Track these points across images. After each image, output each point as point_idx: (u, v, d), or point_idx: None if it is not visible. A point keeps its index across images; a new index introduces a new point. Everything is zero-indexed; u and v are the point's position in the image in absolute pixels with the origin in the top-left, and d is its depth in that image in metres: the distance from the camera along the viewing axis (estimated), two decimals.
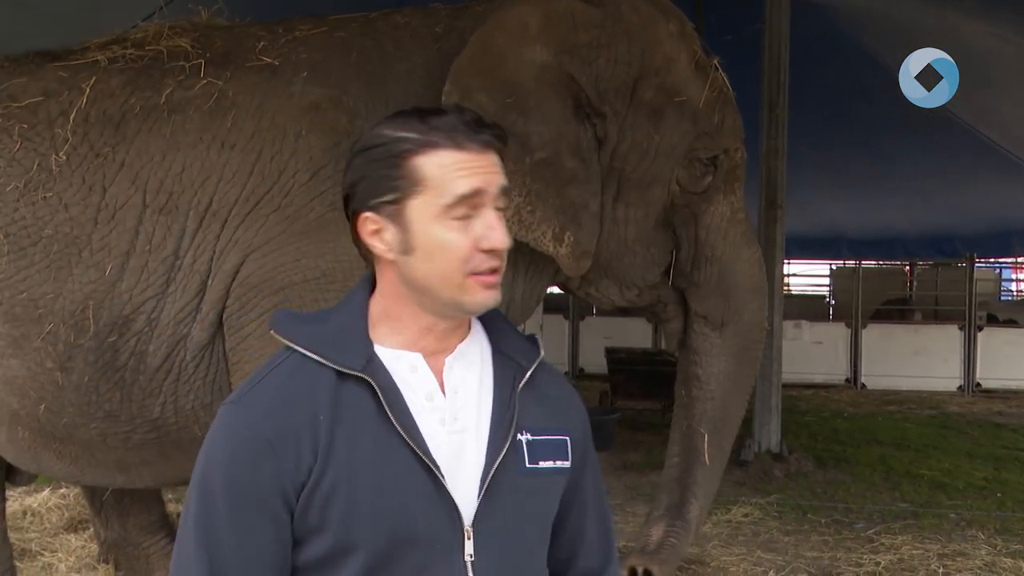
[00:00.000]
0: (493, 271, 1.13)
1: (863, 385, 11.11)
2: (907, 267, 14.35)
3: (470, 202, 1.11)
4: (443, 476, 1.10)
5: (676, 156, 2.58)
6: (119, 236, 2.35)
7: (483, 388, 1.19)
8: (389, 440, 1.10)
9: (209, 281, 2.34)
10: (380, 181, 1.12)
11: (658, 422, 8.15)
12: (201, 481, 1.10)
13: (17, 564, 3.82)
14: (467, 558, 1.11)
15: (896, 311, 12.48)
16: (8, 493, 5.01)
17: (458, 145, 1.11)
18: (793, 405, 9.30)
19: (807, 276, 15.86)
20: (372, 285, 1.21)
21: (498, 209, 1.14)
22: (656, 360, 8.26)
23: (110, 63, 2.57)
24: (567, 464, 1.22)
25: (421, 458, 1.10)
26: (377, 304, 1.19)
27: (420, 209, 1.11)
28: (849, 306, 11.70)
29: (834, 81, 8.06)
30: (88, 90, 2.48)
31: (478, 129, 1.13)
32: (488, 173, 1.12)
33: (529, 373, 1.21)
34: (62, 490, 5.08)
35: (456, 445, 1.14)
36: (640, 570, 2.53)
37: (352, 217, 1.16)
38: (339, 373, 1.12)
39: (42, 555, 4.24)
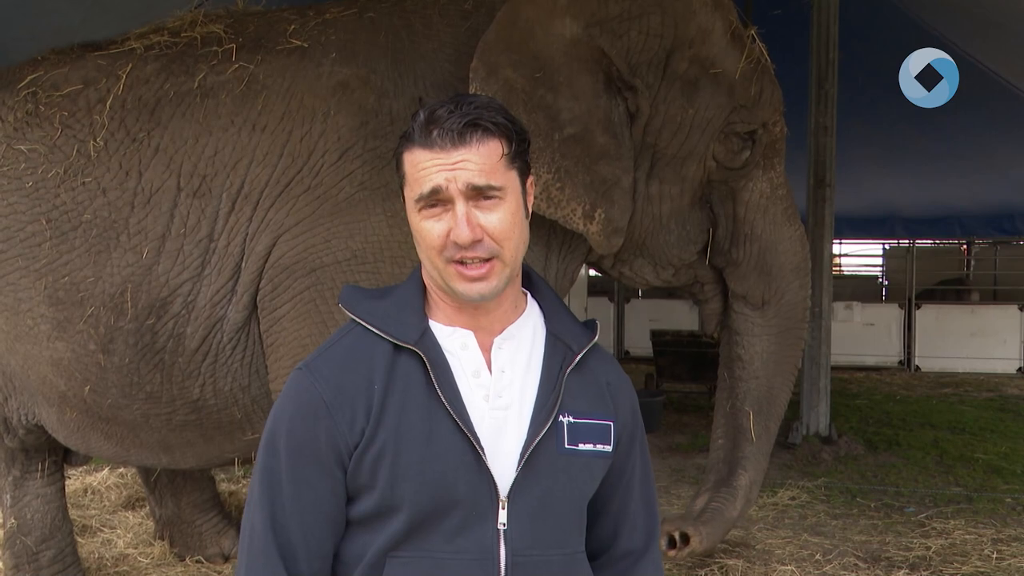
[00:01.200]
0: (474, 262, 1.18)
1: (917, 367, 10.86)
2: (964, 246, 13.91)
3: (435, 198, 1.19)
4: (483, 448, 1.19)
5: (711, 130, 2.51)
6: (155, 220, 2.40)
7: (531, 369, 1.26)
8: (435, 411, 1.19)
9: (243, 263, 2.38)
10: (396, 172, 1.27)
11: (704, 404, 8.10)
12: (268, 435, 1.23)
13: (78, 539, 3.97)
14: (500, 526, 1.20)
15: (952, 291, 12.13)
16: (70, 472, 5.23)
17: (427, 143, 1.18)
18: (843, 388, 9.13)
19: (859, 256, 15.50)
20: None
21: (486, 199, 1.18)
22: (702, 342, 8.17)
23: (146, 51, 2.63)
24: (608, 448, 1.28)
25: (463, 430, 1.18)
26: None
27: (408, 199, 1.24)
28: (902, 287, 11.42)
29: (886, 55, 7.82)
30: (124, 77, 2.54)
31: (456, 122, 1.17)
32: (452, 170, 1.17)
33: (578, 358, 1.28)
34: (120, 469, 5.25)
35: (498, 421, 1.22)
36: (677, 534, 2.48)
37: None
38: (395, 346, 1.22)
39: (101, 531, 4.39)
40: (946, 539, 4.37)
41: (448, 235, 1.18)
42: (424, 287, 1.29)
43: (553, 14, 2.35)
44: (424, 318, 1.26)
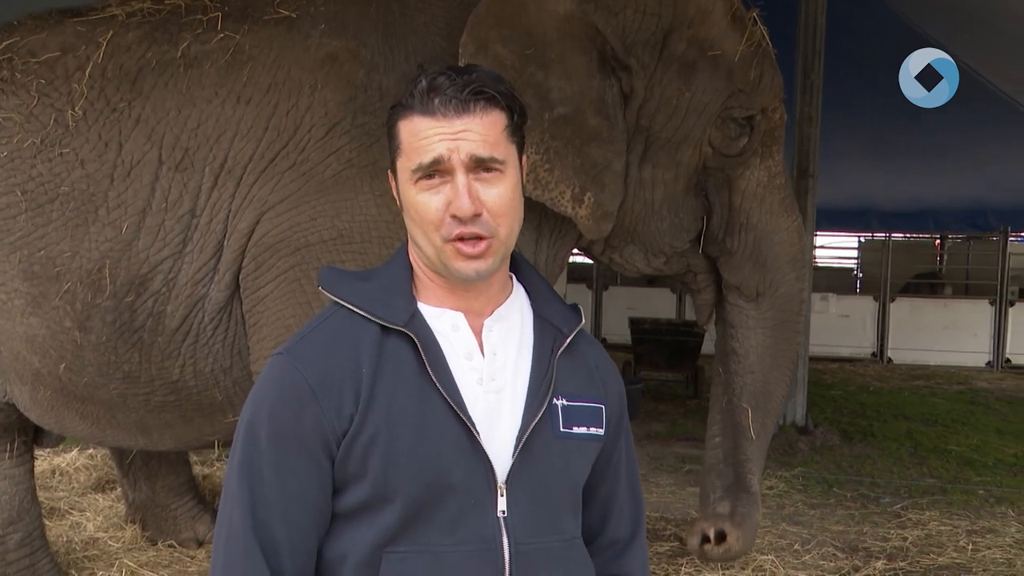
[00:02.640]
0: (472, 239, 1.13)
1: (890, 359, 10.98)
2: (938, 241, 14.08)
3: (435, 169, 1.12)
4: (478, 432, 1.13)
5: (708, 115, 2.41)
6: (135, 194, 2.32)
7: (522, 351, 1.21)
8: (428, 394, 1.13)
9: (225, 241, 2.31)
10: (388, 140, 1.20)
11: (681, 393, 8.13)
12: (247, 425, 1.15)
13: (46, 523, 3.87)
14: (500, 513, 1.15)
15: (926, 285, 12.27)
16: (37, 453, 5.09)
17: (428, 111, 1.12)
18: (819, 378, 9.20)
19: (835, 249, 15.64)
20: None
21: (487, 171, 1.13)
22: (680, 331, 8.19)
23: (128, 17, 2.53)
24: (600, 431, 1.25)
25: (457, 413, 1.13)
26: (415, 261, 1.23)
27: (400, 170, 1.17)
28: (877, 279, 11.54)
29: (869, 49, 7.85)
30: (105, 44, 2.44)
31: (459, 91, 1.11)
32: (454, 140, 1.11)
33: (569, 340, 1.24)
34: (90, 450, 5.14)
35: (492, 404, 1.17)
36: (712, 532, 2.41)
37: None
38: (383, 328, 1.16)
39: (70, 514, 4.30)
40: (922, 530, 4.41)
41: (447, 209, 1.12)
42: (410, 267, 1.22)
43: None
44: (413, 299, 1.20)
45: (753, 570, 3.79)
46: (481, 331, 1.20)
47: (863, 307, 11.30)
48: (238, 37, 2.39)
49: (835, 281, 12.17)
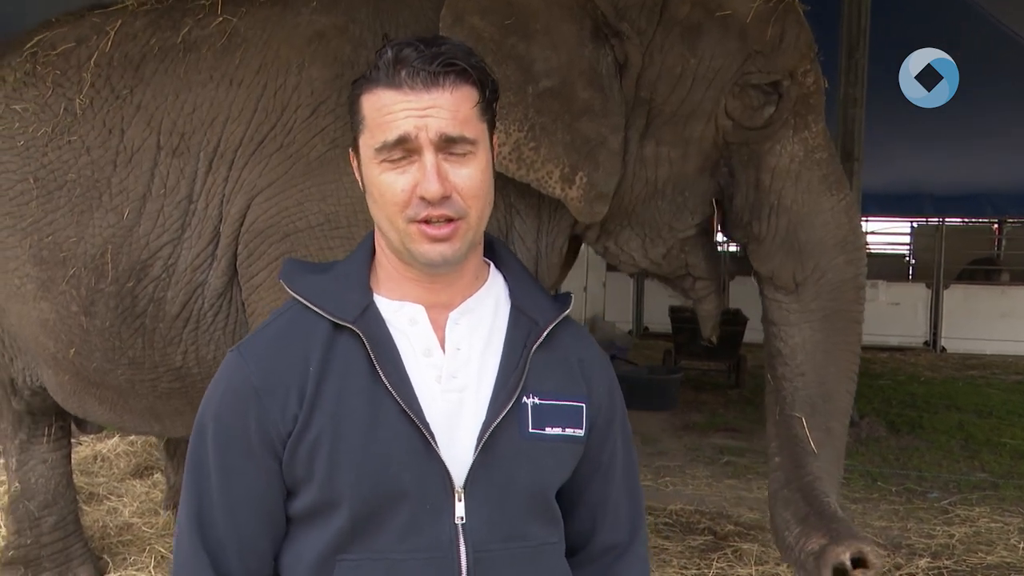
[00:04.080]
0: (439, 221, 1.05)
1: (943, 348, 10.65)
2: (995, 225, 13.59)
3: (401, 148, 1.05)
4: (432, 434, 1.07)
5: (721, 83, 2.13)
6: (136, 179, 2.31)
7: (491, 346, 1.14)
8: (378, 394, 1.07)
9: (220, 227, 2.28)
10: (350, 117, 1.13)
11: (722, 383, 7.98)
12: (197, 424, 1.13)
13: (83, 507, 3.95)
14: (458, 520, 1.08)
15: (981, 272, 11.85)
16: (81, 439, 5.23)
17: (394, 84, 1.05)
18: (867, 368, 8.94)
19: (886, 235, 15.21)
20: None
21: (453, 154, 1.05)
22: (722, 319, 8.03)
23: (139, 6, 2.54)
24: (579, 432, 1.16)
25: (410, 415, 1.07)
26: (378, 250, 1.17)
27: (363, 148, 1.10)
28: (930, 266, 11.18)
29: (919, 26, 7.55)
30: (112, 33, 2.45)
31: (428, 63, 1.04)
32: (422, 116, 1.04)
33: (545, 333, 1.16)
34: (131, 437, 5.24)
35: (453, 404, 1.10)
36: (847, 556, 1.95)
37: None
38: (334, 324, 1.10)
39: (108, 499, 4.37)
40: (970, 527, 4.23)
41: (413, 190, 1.04)
42: (372, 257, 1.16)
43: None
44: (368, 292, 1.13)
45: (788, 566, 3.67)
46: (446, 324, 1.13)
47: (915, 294, 10.97)
48: (235, 20, 2.36)
49: (886, 268, 11.80)
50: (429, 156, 1.04)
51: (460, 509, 1.08)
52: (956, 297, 10.78)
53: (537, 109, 2.08)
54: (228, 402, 1.10)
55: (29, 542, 3.17)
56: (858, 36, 5.95)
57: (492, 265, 1.21)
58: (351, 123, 1.12)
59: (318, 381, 1.08)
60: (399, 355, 1.09)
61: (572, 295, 1.25)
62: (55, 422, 3.14)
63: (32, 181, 2.43)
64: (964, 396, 7.78)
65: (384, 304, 1.12)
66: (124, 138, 2.33)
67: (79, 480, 4.18)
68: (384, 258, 1.15)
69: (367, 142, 1.08)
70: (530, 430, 1.12)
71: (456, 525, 1.08)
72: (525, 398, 1.12)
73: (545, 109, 2.09)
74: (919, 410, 7.07)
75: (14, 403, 3.01)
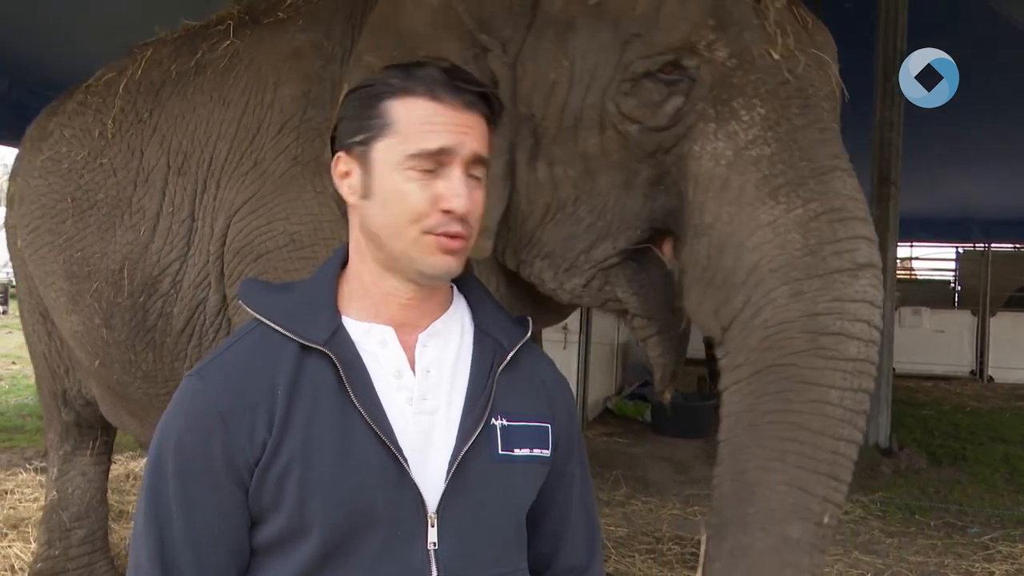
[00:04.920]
0: (454, 236, 1.07)
1: (990, 378, 10.33)
2: None
3: (436, 159, 1.05)
4: (405, 458, 1.05)
5: (601, 83, 1.75)
6: (151, 198, 2.38)
7: (459, 368, 1.13)
8: (350, 418, 1.05)
9: (210, 245, 2.32)
10: (356, 121, 1.09)
11: None
12: (155, 455, 1.07)
13: (113, 525, 4.00)
14: (430, 546, 1.06)
15: None
16: (115, 457, 5.32)
17: (435, 97, 1.06)
18: (909, 397, 8.73)
19: (930, 260, 14.88)
20: (347, 255, 1.16)
21: (472, 177, 1.08)
22: None
23: (171, 34, 2.64)
24: (546, 453, 1.16)
25: (382, 438, 1.05)
26: (350, 268, 1.15)
27: (384, 152, 1.07)
28: (976, 292, 10.88)
29: (961, 47, 7.42)
30: (143, 61, 2.56)
31: (463, 86, 1.07)
32: (461, 133, 1.06)
33: (511, 355, 1.16)
34: None
35: (424, 427, 1.09)
36: None
37: (333, 160, 1.13)
38: (302, 346, 1.08)
39: None
40: (1012, 564, 4.07)
41: (435, 202, 1.05)
42: (337, 279, 1.14)
43: None
44: (337, 314, 1.10)
45: None
46: (415, 347, 1.12)
47: (960, 322, 10.69)
48: (239, 42, 2.41)
49: (930, 294, 11.56)
50: (460, 171, 1.06)
51: (433, 535, 1.06)
52: (1003, 325, 10.47)
53: None
54: (191, 429, 1.05)
55: (57, 553, 3.23)
56: (894, 59, 5.86)
57: (455, 288, 1.21)
58: (359, 127, 1.09)
59: (287, 405, 1.04)
60: (370, 378, 1.08)
61: (530, 319, 1.25)
62: (100, 436, 3.23)
63: (70, 201, 2.55)
64: (1011, 428, 7.53)
65: (352, 326, 1.11)
66: (143, 159, 2.42)
67: (110, 498, 4.24)
68: (363, 273, 1.13)
69: (394, 147, 1.06)
70: (500, 452, 1.11)
71: (428, 551, 1.06)
72: (494, 420, 1.11)
73: None
74: (962, 441, 6.86)
75: (64, 414, 3.12)
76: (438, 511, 1.07)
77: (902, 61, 6.11)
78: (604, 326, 7.87)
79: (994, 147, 9.17)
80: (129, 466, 5.25)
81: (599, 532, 1.28)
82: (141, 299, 2.39)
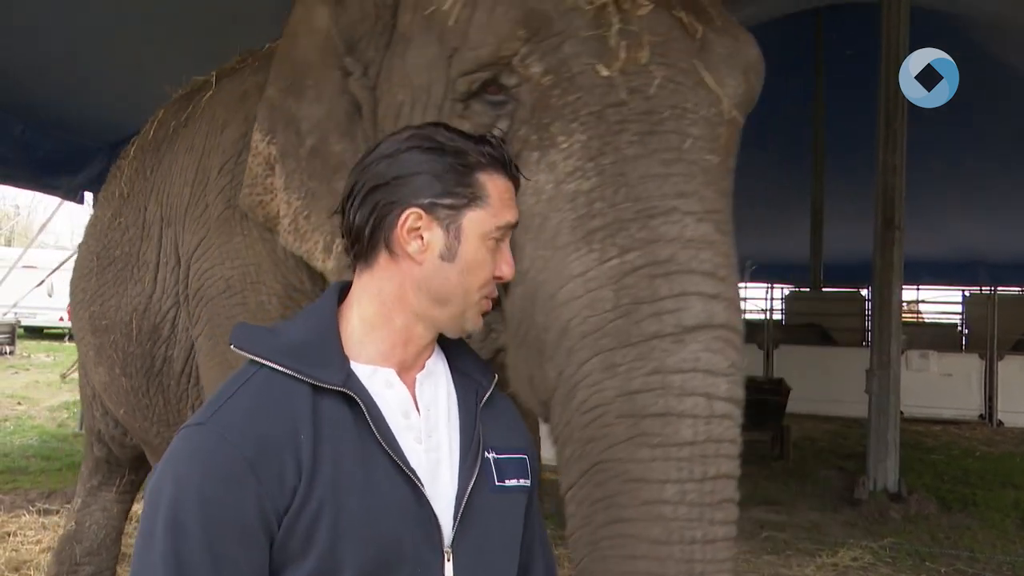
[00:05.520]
0: (492, 300, 1.18)
1: (1000, 422, 10.22)
2: None
3: (505, 231, 1.16)
4: (426, 492, 1.08)
5: (436, 103, 1.56)
6: (151, 250, 2.45)
7: (450, 406, 1.18)
8: (371, 457, 1.06)
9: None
10: (443, 183, 1.11)
11: (766, 454, 7.76)
12: (170, 511, 0.99)
13: (118, 568, 3.97)
14: None
15: None
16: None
17: (506, 174, 1.16)
18: (918, 441, 8.65)
19: (936, 303, 14.86)
20: (341, 296, 1.18)
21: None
22: (763, 388, 7.87)
23: (181, 91, 2.75)
24: (527, 483, 1.21)
25: (404, 476, 1.06)
26: (358, 312, 1.15)
27: (476, 223, 1.12)
28: (984, 336, 10.83)
29: (966, 93, 7.53)
30: (154, 122, 2.70)
31: (515, 165, 1.20)
32: (517, 207, 1.19)
33: (489, 392, 1.21)
34: None
35: (433, 463, 1.12)
36: None
37: (387, 208, 1.11)
38: (315, 388, 1.07)
39: None
40: None
41: (495, 270, 1.16)
42: (337, 323, 1.14)
43: (311, 8, 1.84)
44: (345, 357, 1.11)
45: None
46: (414, 387, 1.15)
47: (968, 365, 10.61)
48: (214, 91, 2.48)
49: (937, 338, 11.50)
50: (508, 242, 1.18)
51: (449, 569, 1.08)
52: (1012, 368, 10.40)
53: (308, 173, 1.79)
54: (217, 482, 0.99)
55: None
56: (896, 104, 5.93)
57: None
58: (445, 189, 1.11)
59: (313, 448, 1.03)
60: (385, 418, 1.10)
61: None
62: (127, 475, 3.27)
63: (95, 259, 2.66)
64: (1021, 472, 7.44)
65: (357, 368, 1.12)
66: (146, 214, 2.49)
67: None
68: (382, 315, 1.14)
69: (487, 219, 1.13)
70: (496, 483, 1.15)
71: None
72: (486, 454, 1.15)
73: (314, 171, 1.79)
74: (972, 486, 6.78)
75: (96, 449, 3.19)
76: (451, 546, 1.09)
77: (903, 106, 6.17)
78: None
79: (999, 190, 9.24)
80: (135, 508, 5.22)
81: (554, 558, 1.31)
82: (148, 346, 2.45)
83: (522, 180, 1.28)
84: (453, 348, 1.23)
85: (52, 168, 6.37)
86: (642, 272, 1.27)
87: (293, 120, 1.80)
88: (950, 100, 7.51)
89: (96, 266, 2.65)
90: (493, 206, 1.12)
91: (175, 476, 1.01)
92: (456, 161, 1.11)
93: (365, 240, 1.13)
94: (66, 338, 18.41)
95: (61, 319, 18.92)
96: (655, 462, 1.20)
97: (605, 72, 1.37)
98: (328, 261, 1.73)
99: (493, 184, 1.13)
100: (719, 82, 1.42)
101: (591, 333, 1.28)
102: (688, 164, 1.35)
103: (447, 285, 1.11)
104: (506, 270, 1.16)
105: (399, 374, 1.14)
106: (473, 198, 1.11)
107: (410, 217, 1.10)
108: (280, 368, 1.07)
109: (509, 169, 1.16)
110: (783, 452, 7.69)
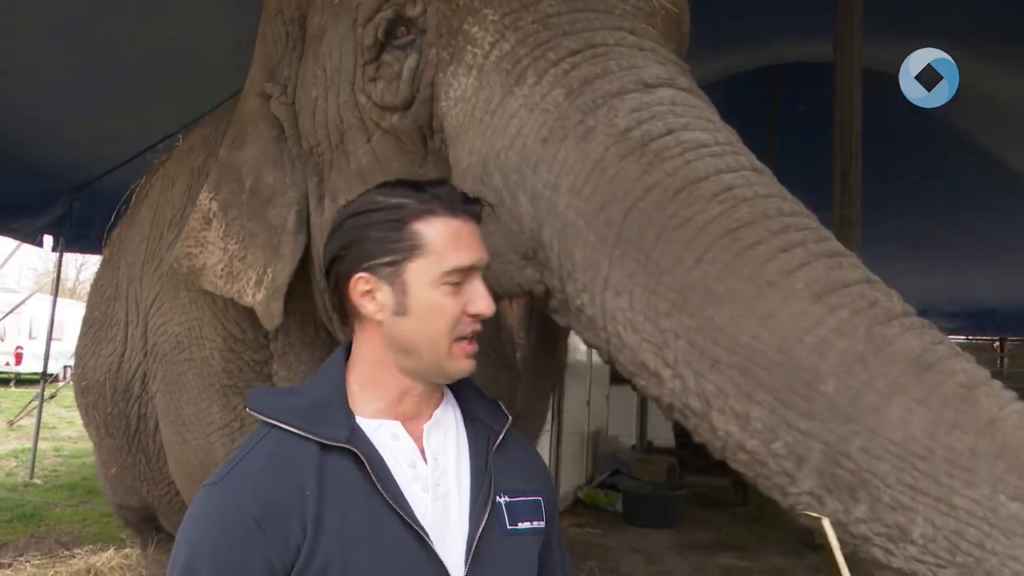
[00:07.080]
0: (473, 339, 1.15)
1: None
2: (997, 343, 13.61)
3: (463, 273, 1.15)
4: (433, 543, 1.10)
5: (348, 76, 1.55)
6: (121, 310, 2.47)
7: (460, 453, 1.20)
8: (378, 511, 1.09)
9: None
10: (379, 243, 1.14)
11: (728, 499, 7.83)
12: (185, 568, 1.06)
13: None
14: None
15: None
16: (75, 551, 5.14)
17: (457, 215, 1.15)
18: None
19: None
20: (345, 355, 1.22)
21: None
22: None
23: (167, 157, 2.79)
24: (541, 524, 1.23)
25: (410, 527, 1.09)
26: (355, 371, 1.20)
27: (419, 273, 1.13)
28: None
29: (915, 150, 7.85)
30: (134, 189, 2.76)
31: (468, 201, 1.17)
32: (479, 248, 1.17)
33: (501, 436, 1.24)
34: (126, 549, 5.15)
35: (440, 511, 1.14)
36: None
37: (342, 279, 1.17)
38: (322, 446, 1.11)
39: None
40: None
41: (464, 309, 1.14)
42: (344, 381, 1.18)
43: (252, 69, 1.89)
44: (351, 413, 1.15)
45: None
46: (421, 437, 1.18)
47: None
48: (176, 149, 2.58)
49: None
50: (480, 279, 1.16)
51: None
52: None
53: (248, 214, 1.79)
54: (228, 541, 1.05)
55: None
56: (849, 161, 6.15)
57: None
58: (383, 248, 1.13)
59: (318, 505, 1.07)
60: (390, 470, 1.13)
61: (501, 403, 1.32)
62: (157, 534, 3.15)
63: (86, 325, 2.70)
64: None
65: (363, 423, 1.16)
66: (119, 274, 2.52)
67: None
68: (373, 374, 1.18)
69: (430, 266, 1.12)
70: (508, 527, 1.17)
71: None
72: (498, 498, 1.18)
73: (253, 211, 1.77)
74: None
75: (127, 516, 3.17)
76: None
77: (856, 163, 6.39)
78: (574, 415, 7.89)
79: (948, 243, 9.58)
80: (90, 560, 5.07)
81: None
82: (122, 405, 2.44)
83: (444, 104, 1.34)
84: (464, 394, 1.26)
85: (10, 211, 6.28)
86: (584, 60, 1.26)
87: (236, 169, 1.84)
88: (901, 157, 7.79)
89: (83, 329, 2.71)
90: (436, 251, 1.13)
91: (189, 535, 1.08)
92: (389, 216, 1.14)
93: (340, 311, 1.20)
94: (11, 383, 17.85)
95: (7, 364, 18.34)
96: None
97: None
98: (258, 294, 1.71)
99: (434, 230, 1.13)
100: None
101: (552, 139, 1.24)
102: (618, 17, 1.32)
103: (408, 337, 1.14)
104: (482, 305, 1.14)
105: (405, 424, 1.17)
106: (411, 249, 1.13)
107: (359, 282, 1.15)
108: (288, 427, 1.12)
109: (459, 208, 1.15)
110: (745, 497, 7.77)
